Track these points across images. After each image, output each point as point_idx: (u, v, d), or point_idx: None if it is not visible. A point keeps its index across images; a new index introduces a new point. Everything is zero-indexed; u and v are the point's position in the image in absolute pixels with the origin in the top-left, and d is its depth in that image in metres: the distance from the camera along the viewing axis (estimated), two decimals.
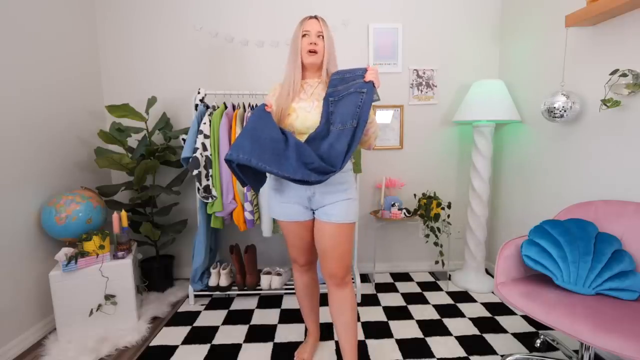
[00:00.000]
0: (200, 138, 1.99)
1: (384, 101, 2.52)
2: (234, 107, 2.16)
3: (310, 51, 1.30)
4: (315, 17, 1.33)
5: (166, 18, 2.40)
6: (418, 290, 2.36)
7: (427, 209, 2.28)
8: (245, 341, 1.78)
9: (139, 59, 2.43)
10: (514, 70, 2.34)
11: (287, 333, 1.84)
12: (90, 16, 2.33)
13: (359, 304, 2.15)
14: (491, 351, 1.65)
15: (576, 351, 1.59)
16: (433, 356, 1.63)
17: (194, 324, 1.95)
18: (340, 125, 1.22)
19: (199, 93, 2.12)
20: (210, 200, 2.05)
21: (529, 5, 2.17)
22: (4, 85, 1.68)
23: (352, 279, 2.03)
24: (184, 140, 2.15)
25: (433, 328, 1.87)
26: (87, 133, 2.26)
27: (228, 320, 1.99)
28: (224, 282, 2.20)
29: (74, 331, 1.75)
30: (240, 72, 2.46)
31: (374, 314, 2.03)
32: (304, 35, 1.31)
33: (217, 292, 2.24)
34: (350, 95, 1.25)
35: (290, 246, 1.47)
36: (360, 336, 1.79)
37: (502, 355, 1.62)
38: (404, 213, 2.31)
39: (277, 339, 1.79)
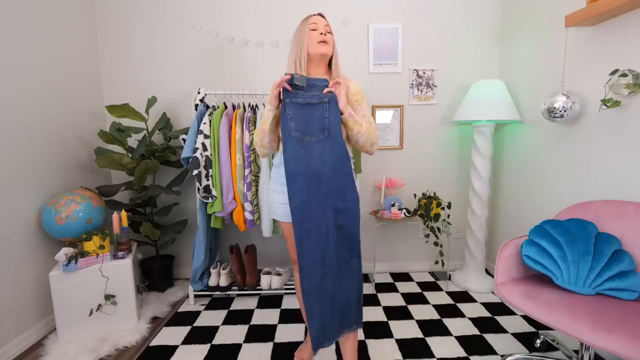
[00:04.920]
0: (200, 138, 1.99)
1: (384, 101, 2.52)
2: (234, 107, 2.17)
3: (320, 41, 1.30)
4: (321, 15, 1.34)
5: (166, 18, 2.40)
6: (418, 290, 2.36)
7: (427, 209, 2.28)
8: (245, 341, 1.78)
9: (139, 59, 2.43)
10: (514, 71, 2.34)
11: (287, 333, 1.84)
12: (90, 16, 2.33)
13: None
14: (491, 351, 1.65)
15: (576, 351, 1.59)
16: (433, 356, 1.63)
17: (194, 324, 1.95)
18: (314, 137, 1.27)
19: (199, 93, 2.13)
20: (210, 200, 2.05)
21: (529, 6, 2.17)
22: (4, 85, 1.68)
23: None
24: (184, 140, 2.15)
25: (433, 328, 1.87)
26: (87, 133, 2.26)
27: (228, 320, 1.99)
28: (224, 282, 2.20)
29: (74, 331, 1.75)
30: (240, 72, 2.46)
31: (374, 314, 2.03)
32: (312, 30, 1.30)
33: (217, 292, 2.24)
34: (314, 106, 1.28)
35: (290, 247, 1.47)
36: (360, 336, 1.79)
37: (502, 355, 1.62)
38: (404, 213, 2.31)
39: (277, 339, 1.79)
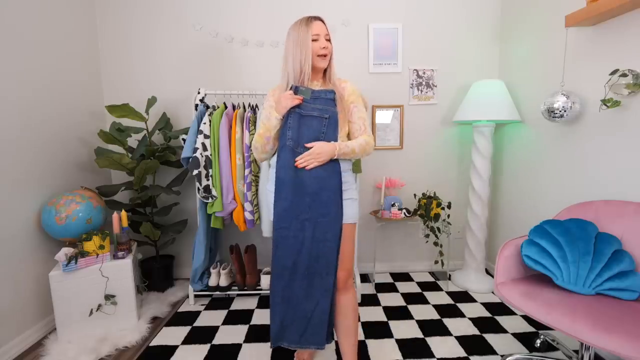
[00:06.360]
0: (200, 138, 1.99)
1: (384, 101, 2.52)
2: (234, 107, 2.17)
3: (321, 55, 1.30)
4: (320, 19, 1.32)
5: (166, 18, 2.40)
6: (418, 290, 2.36)
7: (427, 209, 2.28)
8: (245, 341, 1.78)
9: (139, 59, 2.43)
10: (514, 70, 2.34)
11: None
12: (90, 16, 2.33)
13: (359, 304, 2.15)
14: (491, 351, 1.65)
15: (576, 351, 1.59)
16: (433, 356, 1.63)
17: (194, 324, 1.95)
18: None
19: (199, 93, 2.13)
20: (210, 200, 2.05)
21: (529, 5, 2.17)
22: (5, 86, 1.68)
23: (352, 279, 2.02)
24: (184, 140, 2.15)
25: (433, 328, 1.87)
26: (87, 133, 2.26)
27: (228, 320, 1.99)
28: (224, 282, 2.20)
29: (74, 331, 1.75)
30: (240, 72, 2.46)
31: (374, 314, 2.03)
32: (314, 40, 1.28)
33: (217, 292, 2.24)
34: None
35: None
36: (360, 336, 1.79)
37: (502, 355, 1.62)
38: (404, 213, 2.31)
39: None
